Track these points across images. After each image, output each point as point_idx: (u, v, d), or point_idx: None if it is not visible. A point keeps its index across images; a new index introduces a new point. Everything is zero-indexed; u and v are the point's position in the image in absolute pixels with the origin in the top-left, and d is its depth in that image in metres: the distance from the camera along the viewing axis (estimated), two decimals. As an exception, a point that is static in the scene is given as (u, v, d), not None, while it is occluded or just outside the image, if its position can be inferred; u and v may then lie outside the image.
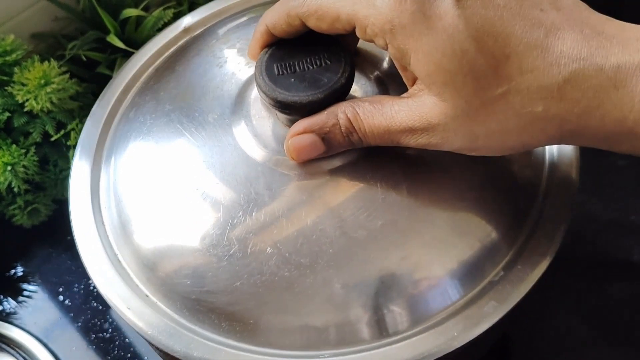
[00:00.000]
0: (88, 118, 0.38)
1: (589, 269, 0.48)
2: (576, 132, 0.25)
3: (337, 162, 0.30)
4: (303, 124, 0.28)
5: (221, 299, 0.29)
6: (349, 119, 0.27)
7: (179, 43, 0.40)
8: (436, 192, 0.30)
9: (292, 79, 0.29)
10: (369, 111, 0.27)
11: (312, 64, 0.29)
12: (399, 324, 0.29)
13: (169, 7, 0.51)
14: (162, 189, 0.32)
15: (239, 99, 0.33)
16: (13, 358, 0.48)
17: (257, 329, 0.29)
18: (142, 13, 0.51)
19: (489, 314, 0.28)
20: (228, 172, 0.31)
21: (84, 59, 0.51)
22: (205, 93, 0.34)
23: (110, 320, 0.50)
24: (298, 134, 0.28)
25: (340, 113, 0.28)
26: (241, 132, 0.32)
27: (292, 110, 0.29)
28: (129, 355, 0.48)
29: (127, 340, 0.48)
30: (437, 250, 0.29)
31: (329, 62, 0.29)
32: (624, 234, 0.49)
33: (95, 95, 0.51)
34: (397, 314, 0.29)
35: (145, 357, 0.47)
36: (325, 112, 0.28)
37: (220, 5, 0.42)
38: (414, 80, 0.27)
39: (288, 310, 0.29)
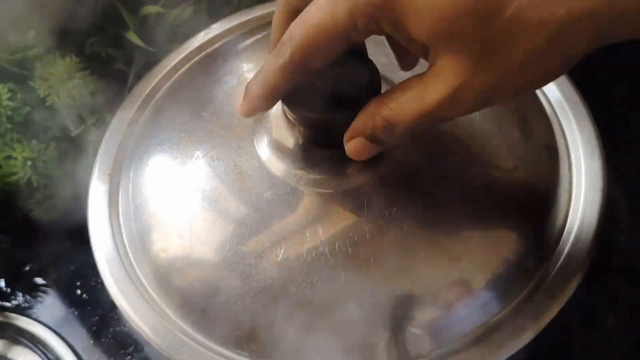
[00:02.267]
0: (107, 131, 0.39)
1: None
2: (610, 23, 0.22)
3: (357, 181, 0.30)
4: (350, 130, 0.28)
5: (233, 314, 0.30)
6: (384, 119, 0.27)
7: (198, 57, 0.41)
8: (456, 213, 0.30)
9: (317, 95, 0.28)
10: (401, 102, 0.26)
11: (337, 77, 0.29)
12: (418, 348, 0.29)
13: (188, 4, 0.51)
14: (179, 201, 0.33)
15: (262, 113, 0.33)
16: (30, 351, 0.48)
17: (269, 346, 0.29)
18: (161, 10, 0.51)
19: (504, 346, 0.28)
20: (247, 186, 0.31)
21: (103, 55, 0.51)
22: (226, 106, 0.35)
23: (127, 314, 0.50)
24: (349, 140, 0.28)
25: (376, 115, 0.27)
26: (263, 146, 0.32)
27: (317, 128, 0.29)
28: (146, 348, 0.48)
29: (144, 334, 0.49)
30: (456, 273, 0.29)
31: (354, 75, 0.28)
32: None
33: (114, 92, 0.52)
34: (415, 337, 0.29)
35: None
36: (363, 115, 0.28)
37: (239, 20, 0.42)
38: (427, 51, 0.25)
39: (301, 328, 0.29)
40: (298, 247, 0.29)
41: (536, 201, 0.32)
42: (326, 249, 0.29)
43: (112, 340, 0.49)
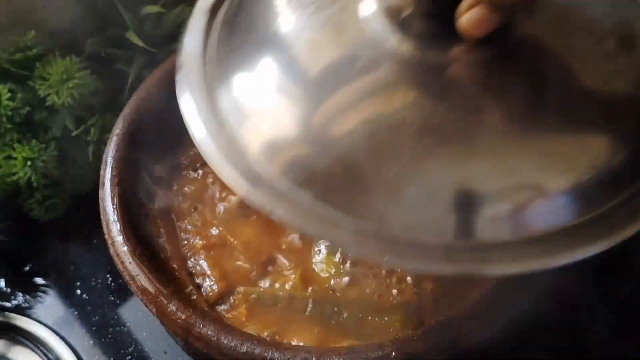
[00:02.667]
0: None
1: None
2: None
3: (462, 59, 0.29)
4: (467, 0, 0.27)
5: (319, 179, 0.29)
6: None
7: None
8: (555, 113, 0.29)
9: None
10: None
11: None
12: (487, 233, 0.28)
13: (188, 5, 0.51)
14: (275, 72, 0.31)
15: None
16: (30, 351, 0.48)
17: (351, 203, 0.28)
18: (162, 10, 0.51)
19: (570, 251, 0.27)
20: (349, 52, 0.30)
21: (103, 55, 0.51)
22: None
23: (127, 314, 0.50)
24: (466, 11, 0.27)
25: None
26: (370, 12, 0.31)
27: None
28: (146, 348, 0.48)
29: (144, 334, 0.49)
30: (544, 171, 0.28)
31: None
32: None
33: (114, 92, 0.52)
34: (486, 223, 0.28)
35: (164, 351, 0.48)
36: None
37: None
38: None
39: (385, 195, 0.28)
40: (391, 119, 0.28)
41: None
42: (417, 127, 0.28)
43: (112, 340, 0.49)
